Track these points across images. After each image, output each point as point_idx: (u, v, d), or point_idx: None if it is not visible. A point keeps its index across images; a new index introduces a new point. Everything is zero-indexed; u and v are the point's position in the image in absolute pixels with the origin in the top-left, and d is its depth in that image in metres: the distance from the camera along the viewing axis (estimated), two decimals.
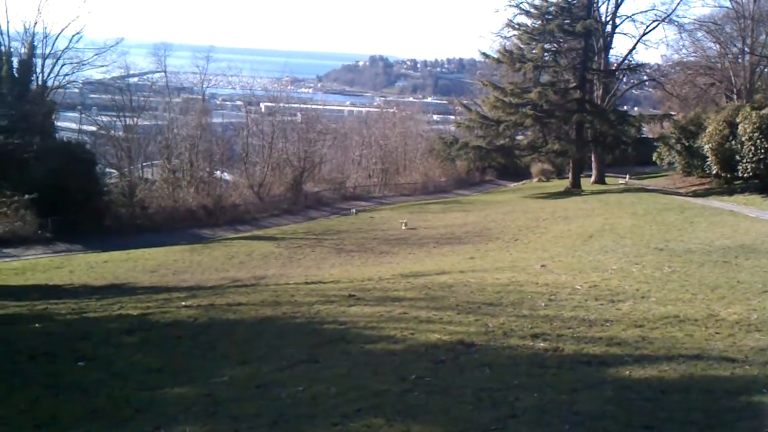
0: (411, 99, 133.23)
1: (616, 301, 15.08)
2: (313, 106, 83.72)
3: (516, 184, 72.10)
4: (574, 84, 58.43)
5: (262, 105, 71.40)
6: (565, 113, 57.21)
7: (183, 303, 18.78)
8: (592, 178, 62.02)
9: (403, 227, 41.20)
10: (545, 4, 58.10)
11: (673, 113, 63.40)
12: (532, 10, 58.82)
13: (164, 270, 30.22)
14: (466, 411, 9.13)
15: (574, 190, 57.28)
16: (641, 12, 78.93)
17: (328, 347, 12.93)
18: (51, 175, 39.32)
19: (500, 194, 63.78)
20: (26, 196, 39.18)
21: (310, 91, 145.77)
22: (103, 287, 25.24)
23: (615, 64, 63.76)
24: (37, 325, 17.46)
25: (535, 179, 72.77)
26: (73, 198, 39.53)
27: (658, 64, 72.12)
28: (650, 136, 67.81)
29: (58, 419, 10.13)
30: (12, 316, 19.07)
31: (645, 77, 68.79)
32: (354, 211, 45.62)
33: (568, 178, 61.72)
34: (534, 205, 48.18)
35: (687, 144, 51.99)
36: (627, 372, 10.37)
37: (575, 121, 56.75)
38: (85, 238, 39.30)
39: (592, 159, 63.04)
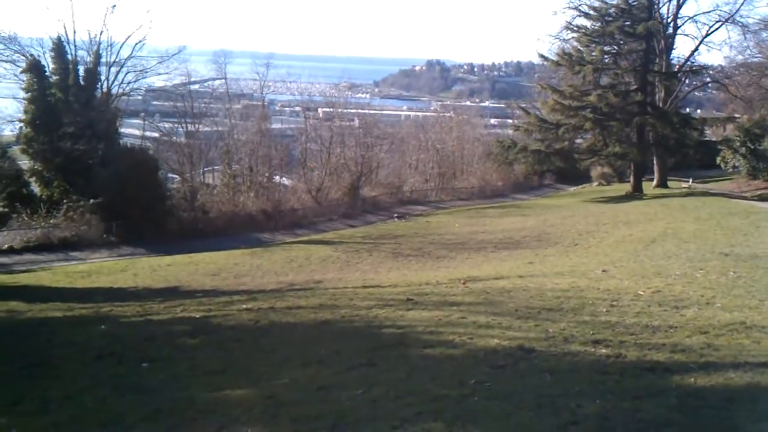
0: (468, 103, 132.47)
1: (680, 307, 14.74)
2: (371, 111, 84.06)
3: (575, 187, 71.14)
4: (635, 86, 57.42)
5: (320, 110, 72.05)
6: (626, 116, 56.25)
7: (244, 306, 19.06)
8: (654, 182, 60.77)
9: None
10: (605, 5, 57.28)
11: (737, 116, 61.85)
12: (591, 12, 58.09)
13: (225, 273, 30.69)
14: (526, 417, 9.05)
15: (636, 194, 56.23)
16: (704, 13, 76.80)
17: (386, 351, 12.95)
18: (115, 180, 40.36)
19: (559, 198, 63.01)
20: (91, 201, 40.31)
21: (368, 96, 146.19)
22: (166, 290, 25.76)
23: (677, 66, 62.36)
24: (102, 326, 17.94)
25: (595, 183, 71.71)
26: (136, 203, 40.44)
27: (721, 66, 70.19)
28: (713, 139, 66.22)
29: (124, 419, 10.39)
30: (79, 317, 19.64)
31: (708, 79, 67.23)
32: (396, 218, 45.04)
33: (629, 181, 60.66)
34: (594, 209, 47.46)
35: (752, 147, 50.66)
36: (692, 379, 10.13)
37: (636, 123, 55.73)
38: (148, 242, 40.18)
39: (654, 162, 61.77)
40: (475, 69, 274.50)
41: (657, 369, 10.72)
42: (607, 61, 58.58)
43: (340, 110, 66.87)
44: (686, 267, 20.35)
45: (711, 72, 66.01)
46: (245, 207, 50.27)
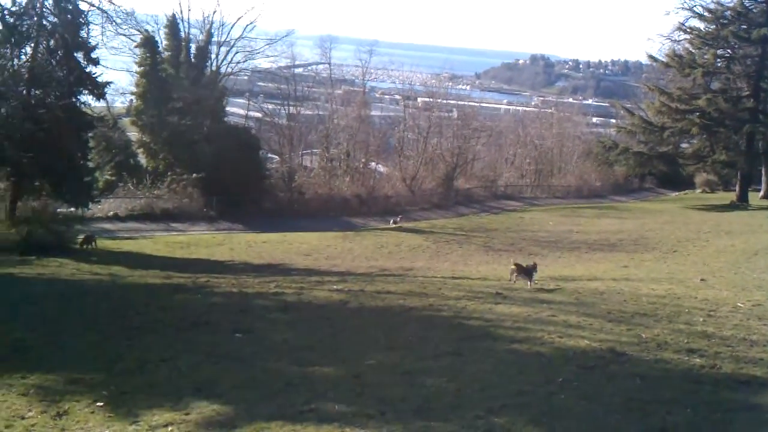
0: (570, 100, 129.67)
1: None
2: (470, 103, 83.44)
3: (677, 193, 68.87)
4: (747, 92, 54.97)
5: (419, 100, 72.05)
6: (736, 123, 53.97)
7: (334, 287, 19.42)
8: (761, 193, 58.17)
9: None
10: (720, 8, 55.01)
11: None
12: (706, 13, 55.87)
13: (317, 254, 31.26)
14: (613, 420, 8.96)
15: (740, 203, 53.99)
16: None
17: (473, 342, 13.01)
18: (218, 156, 41.51)
19: (659, 203, 61.20)
20: (194, 175, 41.58)
21: (468, 88, 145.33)
22: (261, 266, 26.47)
23: None
24: (199, 296, 18.65)
25: (699, 189, 69.21)
26: (236, 180, 41.49)
27: None
28: None
29: (217, 384, 10.84)
30: (177, 285, 20.43)
31: None
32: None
33: (734, 190, 58.24)
34: (695, 217, 45.90)
35: None
36: None
37: (746, 131, 53.40)
38: (245, 219, 41.21)
39: (762, 173, 59.15)
40: (580, 66, 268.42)
41: (753, 383, 10.41)
42: (719, 65, 56.31)
43: (439, 100, 66.67)
44: None
45: None
46: (340, 191, 50.89)
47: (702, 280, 20.37)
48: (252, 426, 8.84)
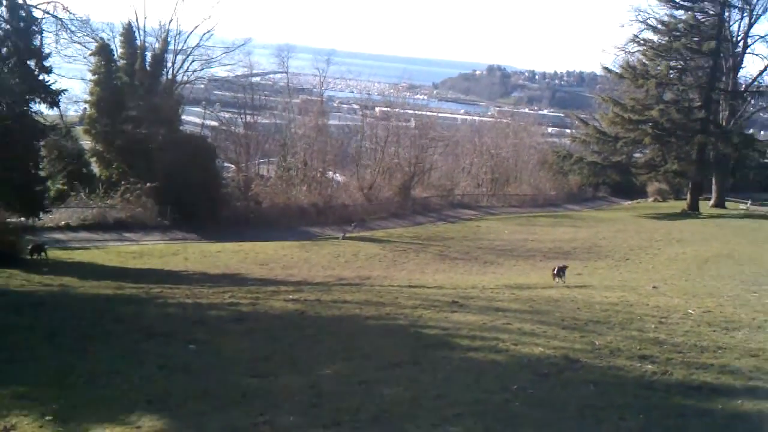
0: (526, 110, 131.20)
1: (730, 329, 14.51)
2: (428, 113, 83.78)
3: (630, 202, 70.01)
4: (699, 104, 56.28)
5: (377, 109, 72.15)
6: (687, 133, 55.20)
7: (291, 296, 19.30)
8: (712, 202, 59.51)
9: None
10: (674, 21, 56.33)
11: None
12: (659, 26, 57.18)
13: (273, 264, 31.06)
14: (568, 426, 9.03)
15: (692, 212, 55.15)
16: None
17: (429, 351, 13.02)
18: (173, 165, 40.97)
19: (613, 212, 62.14)
20: (149, 184, 41.01)
21: (426, 97, 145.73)
22: (216, 276, 26.21)
23: (743, 86, 60.93)
24: (152, 307, 18.37)
25: (651, 198, 70.44)
26: (192, 189, 41.00)
27: None
28: None
29: (170, 396, 10.65)
30: (129, 296, 20.12)
31: None
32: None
33: (685, 199, 59.49)
34: (648, 225, 46.73)
35: None
36: (739, 401, 9.99)
37: (697, 141, 54.63)
38: (200, 228, 40.70)
39: (713, 182, 60.49)
40: (536, 76, 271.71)
41: (704, 389, 10.60)
42: (672, 76, 57.56)
43: (397, 110, 66.80)
44: (739, 289, 20.00)
45: None
46: (297, 200, 50.65)
47: (654, 287, 20.72)
48: None
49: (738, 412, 9.59)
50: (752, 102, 64.32)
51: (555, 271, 23.66)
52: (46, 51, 31.15)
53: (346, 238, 40.81)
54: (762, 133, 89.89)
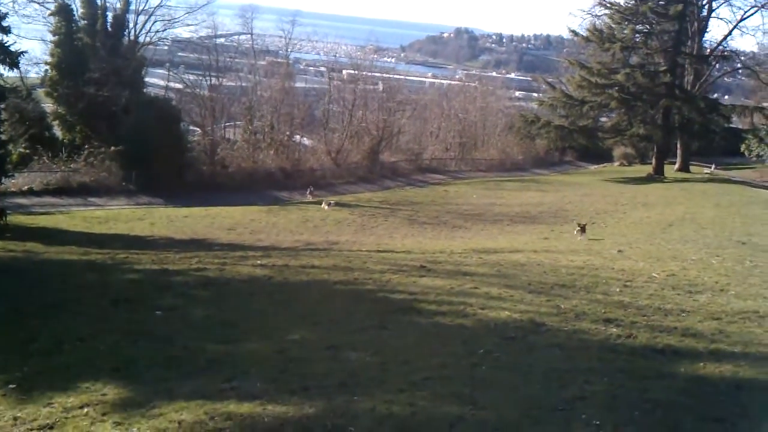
0: (494, 74, 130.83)
1: (693, 292, 14.73)
2: (395, 76, 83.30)
3: (596, 166, 70.64)
4: (664, 68, 56.56)
5: (344, 72, 71.42)
6: (653, 97, 55.59)
7: (258, 261, 19.20)
8: (676, 166, 60.24)
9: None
10: None
11: (766, 104, 60.86)
12: None
13: (241, 229, 30.88)
14: (534, 389, 9.13)
15: (657, 176, 55.81)
16: None
17: (397, 315, 13.06)
18: (138, 129, 40.33)
19: (579, 176, 62.67)
20: (112, 148, 40.37)
21: (393, 60, 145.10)
22: (182, 241, 26.00)
23: (708, 50, 61.34)
24: (118, 273, 18.17)
25: (617, 163, 71.16)
26: (157, 153, 40.42)
27: (753, 53, 68.81)
28: (740, 126, 65.30)
29: (136, 363, 10.57)
30: (95, 262, 19.86)
31: (739, 65, 66.09)
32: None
33: (650, 163, 60.18)
34: (614, 189, 47.24)
35: None
36: (701, 364, 10.17)
37: (662, 106, 55.08)
38: (166, 193, 40.25)
39: (678, 146, 61.13)
40: (504, 40, 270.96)
41: (667, 351, 10.77)
42: (637, 40, 57.70)
43: (364, 73, 66.11)
44: (702, 253, 20.28)
45: (742, 58, 64.82)
46: (264, 164, 50.25)
47: (619, 251, 20.95)
48: (170, 405, 8.64)
49: (700, 374, 9.78)
50: (717, 66, 64.81)
51: (580, 228, 25.87)
52: (3, 11, 30.33)
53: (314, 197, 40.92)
54: (726, 97, 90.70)
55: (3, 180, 32.26)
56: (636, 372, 9.74)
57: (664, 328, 11.93)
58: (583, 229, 25.70)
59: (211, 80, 56.53)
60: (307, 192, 43.10)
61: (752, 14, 59.89)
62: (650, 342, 11.16)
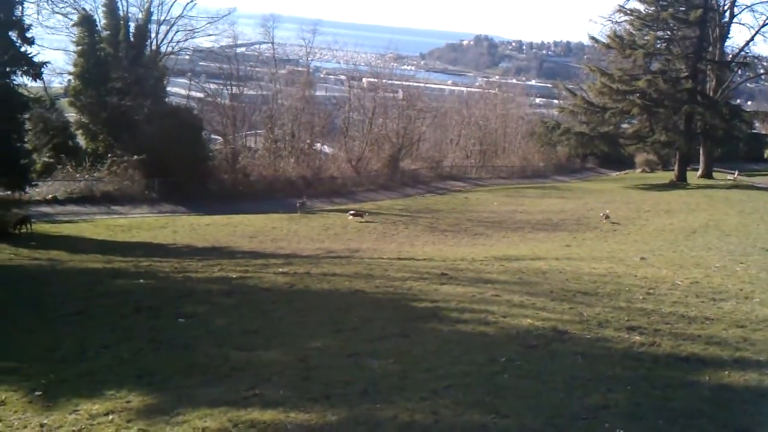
0: (514, 81, 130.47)
1: (717, 300, 14.60)
2: (415, 84, 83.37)
3: (618, 173, 70.16)
4: (686, 74, 56.12)
5: (364, 80, 71.59)
6: (675, 103, 55.12)
7: (280, 269, 19.27)
8: (699, 172, 59.65)
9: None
10: None
11: None
12: None
13: (262, 237, 30.98)
14: (556, 398, 9.08)
15: (679, 183, 55.33)
16: (762, 2, 74.10)
17: (419, 323, 13.06)
18: (160, 138, 40.61)
19: (601, 183, 62.27)
20: (135, 157, 40.69)
21: (413, 68, 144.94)
22: (205, 249, 26.12)
23: (730, 56, 60.81)
24: (141, 280, 18.31)
25: (639, 169, 70.62)
26: (179, 161, 40.65)
27: None
28: (763, 132, 64.63)
29: (159, 371, 10.66)
30: (118, 270, 20.03)
31: (762, 71, 65.43)
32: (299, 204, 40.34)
33: (673, 170, 59.63)
34: (636, 196, 46.89)
35: None
36: (725, 372, 10.07)
37: (685, 112, 54.60)
38: (188, 201, 40.49)
39: (700, 152, 60.56)
40: (524, 47, 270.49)
41: (691, 360, 10.68)
42: (659, 46, 57.35)
43: (384, 81, 66.26)
44: (726, 260, 20.09)
45: (765, 63, 64.16)
46: (285, 172, 50.40)
47: (642, 258, 20.81)
48: (194, 413, 8.71)
49: (725, 383, 9.68)
50: (739, 72, 64.19)
51: (604, 215, 34.04)
52: (28, 22, 30.75)
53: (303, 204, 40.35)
54: (749, 103, 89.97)
55: (27, 189, 32.67)
56: (659, 380, 9.66)
57: (687, 336, 11.83)
58: (606, 216, 33.21)
59: (232, 89, 56.87)
60: (297, 204, 40.65)
61: None
62: (674, 350, 11.07)
